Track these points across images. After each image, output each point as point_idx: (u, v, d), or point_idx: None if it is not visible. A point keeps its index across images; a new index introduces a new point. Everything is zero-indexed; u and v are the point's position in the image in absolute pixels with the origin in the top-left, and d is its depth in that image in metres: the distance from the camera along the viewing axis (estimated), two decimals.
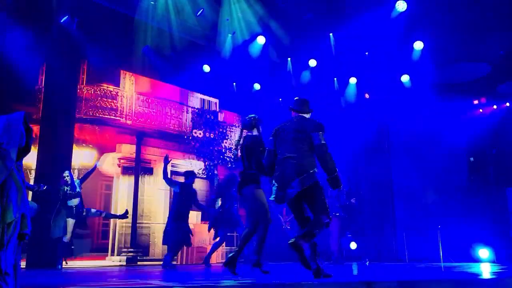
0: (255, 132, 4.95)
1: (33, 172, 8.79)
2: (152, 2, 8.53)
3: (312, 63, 10.63)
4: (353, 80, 11.10)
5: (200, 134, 11.49)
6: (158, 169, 10.33)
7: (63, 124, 8.10)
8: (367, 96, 11.49)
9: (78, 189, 7.36)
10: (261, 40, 9.68)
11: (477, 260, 8.40)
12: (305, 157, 4.12)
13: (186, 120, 11.68)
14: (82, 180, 7.60)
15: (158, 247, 10.77)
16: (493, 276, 4.76)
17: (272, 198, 4.25)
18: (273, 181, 4.26)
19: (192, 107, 11.93)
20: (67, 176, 7.31)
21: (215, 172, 11.75)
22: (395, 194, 11.06)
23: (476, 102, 11.56)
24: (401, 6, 8.41)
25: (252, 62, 10.21)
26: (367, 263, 7.98)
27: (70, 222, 7.21)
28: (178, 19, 8.91)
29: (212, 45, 9.87)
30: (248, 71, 10.76)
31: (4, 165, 2.26)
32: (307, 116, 4.40)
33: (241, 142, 4.96)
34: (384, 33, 9.09)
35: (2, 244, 2.23)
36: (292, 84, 11.25)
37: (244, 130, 5.08)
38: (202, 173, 11.54)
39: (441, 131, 10.65)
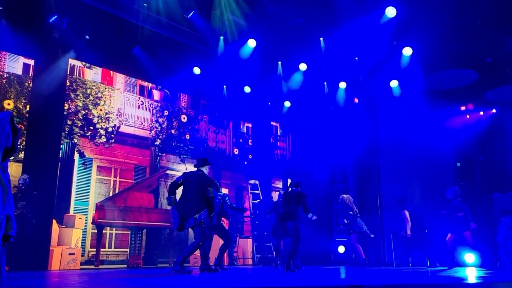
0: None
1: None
2: (146, 4, 8.48)
3: (303, 67, 10.67)
4: (342, 85, 11.16)
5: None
6: None
7: (51, 124, 8.03)
8: (356, 100, 11.55)
9: None
10: (251, 43, 9.68)
11: (463, 265, 8.46)
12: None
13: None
14: None
15: None
16: (479, 281, 4.81)
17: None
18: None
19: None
20: None
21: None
22: (383, 198, 11.12)
23: (463, 108, 11.71)
24: (390, 12, 8.49)
25: (243, 65, 10.21)
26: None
27: None
28: (168, 21, 8.88)
29: (202, 48, 9.85)
30: (239, 74, 10.75)
31: None
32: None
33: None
34: (374, 39, 9.17)
35: None
36: (282, 87, 11.28)
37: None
38: None
39: (428, 136, 10.76)
